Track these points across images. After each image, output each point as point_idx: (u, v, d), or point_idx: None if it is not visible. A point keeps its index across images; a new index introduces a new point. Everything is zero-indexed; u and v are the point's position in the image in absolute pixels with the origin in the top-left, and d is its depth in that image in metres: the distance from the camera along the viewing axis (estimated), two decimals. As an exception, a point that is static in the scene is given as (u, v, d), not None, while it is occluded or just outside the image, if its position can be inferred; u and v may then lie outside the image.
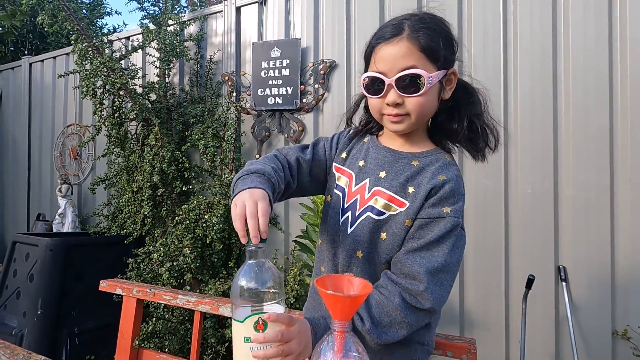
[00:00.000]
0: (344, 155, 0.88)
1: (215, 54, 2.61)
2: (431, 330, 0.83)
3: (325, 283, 0.50)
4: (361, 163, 0.84)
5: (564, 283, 1.73)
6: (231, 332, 1.70)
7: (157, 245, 2.19)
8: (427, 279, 0.68)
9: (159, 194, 2.41)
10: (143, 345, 1.78)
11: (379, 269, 0.78)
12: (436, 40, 0.72)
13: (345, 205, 0.82)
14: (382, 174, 0.80)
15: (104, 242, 2.56)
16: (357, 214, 0.80)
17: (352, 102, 2.28)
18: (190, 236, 2.19)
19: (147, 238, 2.50)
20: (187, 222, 2.22)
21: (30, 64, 3.70)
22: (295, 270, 2.03)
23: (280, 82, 2.37)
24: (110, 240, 2.58)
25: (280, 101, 2.36)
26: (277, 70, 2.37)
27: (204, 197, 2.30)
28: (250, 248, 0.59)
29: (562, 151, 1.79)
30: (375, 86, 0.75)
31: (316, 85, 2.32)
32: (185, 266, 2.09)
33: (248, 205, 0.62)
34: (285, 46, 2.36)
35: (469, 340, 1.04)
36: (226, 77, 2.55)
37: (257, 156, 2.46)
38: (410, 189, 0.76)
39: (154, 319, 1.99)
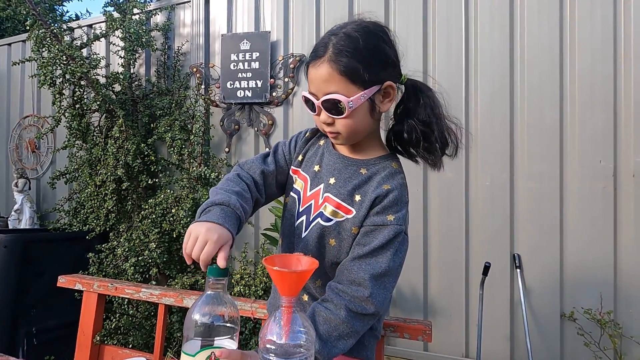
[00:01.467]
0: (300, 158, 0.89)
1: (183, 45, 2.55)
2: (380, 317, 0.88)
3: (274, 261, 0.51)
4: (316, 168, 0.85)
5: (518, 270, 1.84)
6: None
7: (121, 240, 2.13)
8: (372, 284, 0.71)
9: (123, 188, 2.34)
10: (106, 341, 1.74)
11: (329, 272, 0.81)
12: (360, 60, 0.71)
13: (301, 209, 0.84)
14: (332, 181, 0.81)
15: (64, 238, 2.45)
16: (310, 219, 0.82)
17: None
18: (156, 231, 2.14)
19: (111, 234, 2.42)
20: (154, 216, 2.17)
21: (-17, 51, 3.47)
22: (260, 266, 2.04)
23: (250, 75, 2.35)
24: (72, 236, 2.48)
25: (249, 94, 2.35)
26: (246, 63, 2.36)
27: (171, 191, 2.26)
28: (209, 280, 0.59)
29: (518, 145, 1.90)
30: (309, 105, 0.79)
31: (286, 79, 2.33)
32: (151, 261, 2.05)
33: (199, 240, 0.63)
34: (255, 39, 2.34)
35: (425, 322, 1.09)
36: (194, 69, 2.50)
37: (227, 149, 2.44)
38: (357, 197, 0.78)
39: (117, 315, 1.94)
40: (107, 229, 2.46)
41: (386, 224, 0.74)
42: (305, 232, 0.82)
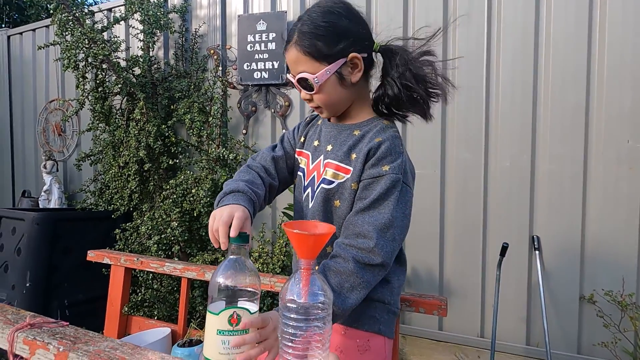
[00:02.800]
0: (302, 139, 0.96)
1: (200, 27, 2.56)
2: (394, 291, 0.88)
3: (292, 226, 0.53)
4: (316, 143, 0.91)
5: (537, 252, 1.81)
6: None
7: (144, 219, 2.22)
8: (377, 235, 0.72)
9: (145, 169, 2.41)
10: (132, 313, 1.83)
11: (337, 235, 0.83)
12: (321, 38, 0.77)
13: (306, 183, 0.90)
14: (329, 147, 0.86)
15: (91, 217, 2.56)
16: (315, 188, 0.86)
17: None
18: (177, 210, 2.21)
19: (134, 213, 2.51)
20: (175, 196, 2.24)
21: (9, 37, 3.58)
22: (282, 242, 2.08)
23: (267, 56, 2.35)
24: (98, 215, 2.59)
25: (266, 76, 2.36)
26: (263, 44, 2.35)
27: (191, 172, 2.31)
28: (232, 246, 0.63)
29: (540, 126, 1.84)
30: (293, 84, 0.87)
31: (302, 60, 2.31)
32: (173, 239, 2.12)
33: (221, 215, 0.68)
34: (271, 19, 2.33)
35: (440, 297, 1.10)
36: (212, 51, 2.52)
37: (244, 131, 2.47)
38: (353, 156, 0.82)
39: (143, 288, 2.03)
40: (131, 209, 2.55)
41: (382, 174, 0.77)
42: (312, 201, 0.86)
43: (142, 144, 2.37)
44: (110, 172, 2.55)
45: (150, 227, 2.15)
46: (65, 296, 2.31)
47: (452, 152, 1.98)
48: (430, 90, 0.82)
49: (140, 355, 0.68)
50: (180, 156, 2.47)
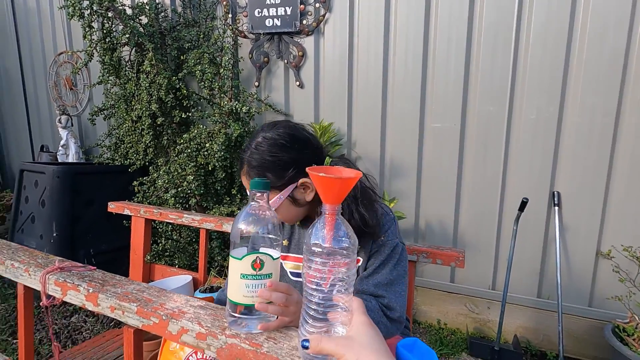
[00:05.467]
0: (285, 242, 1.01)
1: (207, -31, 2.40)
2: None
3: (318, 170, 0.51)
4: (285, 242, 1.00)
5: (556, 208, 1.78)
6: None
7: (160, 172, 2.24)
8: (385, 291, 0.83)
9: (158, 123, 2.39)
10: (154, 261, 1.91)
11: None
12: (269, 170, 0.84)
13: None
14: (285, 242, 0.97)
15: (109, 170, 2.61)
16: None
17: (355, 24, 2.14)
18: (192, 164, 2.22)
19: (150, 167, 2.54)
20: (189, 150, 2.23)
21: (10, -15, 3.44)
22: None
23: (279, 1, 2.21)
24: (115, 169, 2.63)
25: (279, 23, 2.23)
26: (274, -12, 2.20)
27: (204, 126, 2.29)
28: (253, 192, 0.61)
29: (573, 75, 1.72)
30: None
31: (317, 5, 2.17)
32: (189, 192, 2.15)
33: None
34: (283, -41, 2.16)
35: (458, 249, 1.10)
36: (220, -3, 2.37)
37: (256, 84, 2.39)
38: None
39: (163, 239, 2.10)
40: (147, 163, 2.58)
41: (383, 243, 0.86)
42: None
43: (154, 97, 2.33)
44: (124, 126, 2.54)
45: (166, 181, 2.18)
46: (90, 246, 2.42)
47: (474, 104, 1.89)
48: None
49: (166, 297, 0.70)
50: (192, 110, 2.43)
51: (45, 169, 2.34)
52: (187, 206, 2.21)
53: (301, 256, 0.94)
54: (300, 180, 0.85)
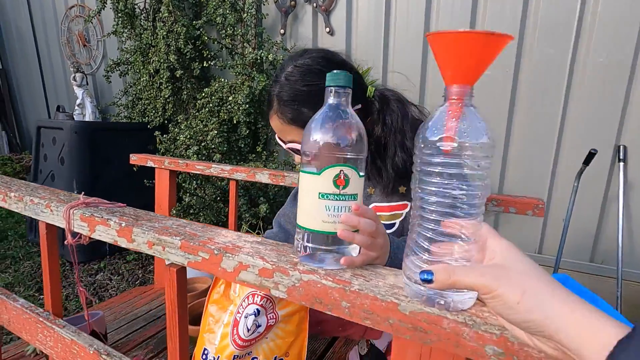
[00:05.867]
0: None
1: None
2: None
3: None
4: None
5: (621, 163, 1.59)
6: (266, 208, 1.68)
7: (182, 127, 2.11)
8: None
9: (177, 76, 2.24)
10: (180, 216, 1.82)
11: None
12: (304, 104, 0.70)
13: None
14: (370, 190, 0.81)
15: (127, 128, 2.50)
16: None
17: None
18: (215, 120, 2.09)
19: (170, 125, 2.42)
20: (211, 105, 2.09)
21: None
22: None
23: None
24: (134, 126, 2.52)
25: (307, -40, 2.00)
26: None
27: (226, 80, 2.13)
28: (330, 89, 0.47)
29: (653, 8, 1.48)
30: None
31: (351, -63, 1.93)
32: (213, 147, 2.03)
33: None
34: None
35: (537, 197, 0.95)
36: None
37: (282, 31, 2.20)
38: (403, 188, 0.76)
39: (188, 195, 2.01)
40: (166, 121, 2.45)
41: None
42: None
43: (172, 47, 2.17)
44: (141, 80, 2.40)
45: (188, 137, 2.06)
46: (112, 205, 2.35)
47: (530, 47, 1.67)
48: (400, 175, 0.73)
49: (214, 232, 0.58)
50: (212, 61, 2.27)
51: (63, 124, 2.24)
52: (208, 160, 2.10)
53: (385, 204, 0.78)
54: None
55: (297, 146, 0.70)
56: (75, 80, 2.91)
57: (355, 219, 0.45)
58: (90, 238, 0.68)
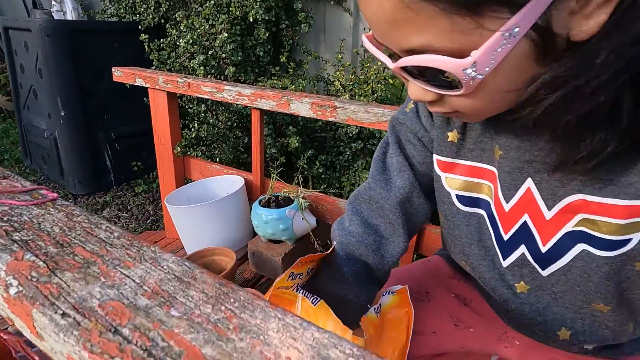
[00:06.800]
0: (451, 135, 0.44)
1: None
2: None
3: None
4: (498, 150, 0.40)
5: None
6: (297, 142, 1.26)
7: (181, 28, 1.60)
8: None
9: (170, -47, 1.64)
10: (189, 152, 1.46)
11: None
12: None
13: (506, 236, 0.42)
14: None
15: (114, 28, 1.99)
16: (545, 250, 0.40)
17: None
18: (224, 17, 1.55)
19: (167, 25, 1.89)
20: (217, -4, 1.54)
21: None
22: (375, 67, 1.45)
23: None
24: (123, 27, 2.00)
25: None
26: None
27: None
28: None
29: None
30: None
31: None
32: (224, 56, 1.55)
33: None
34: None
35: None
36: None
37: None
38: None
39: (196, 123, 1.61)
40: (162, 20, 1.92)
41: None
42: (545, 270, 0.41)
43: None
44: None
45: (190, 41, 1.56)
46: (110, 129, 1.99)
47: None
48: None
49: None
50: None
51: (30, 24, 1.75)
52: (222, 78, 1.64)
53: (482, 165, 0.42)
54: None
55: (432, 63, 0.29)
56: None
57: None
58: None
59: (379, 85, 1.38)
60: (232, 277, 0.88)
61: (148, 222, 1.73)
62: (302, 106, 0.88)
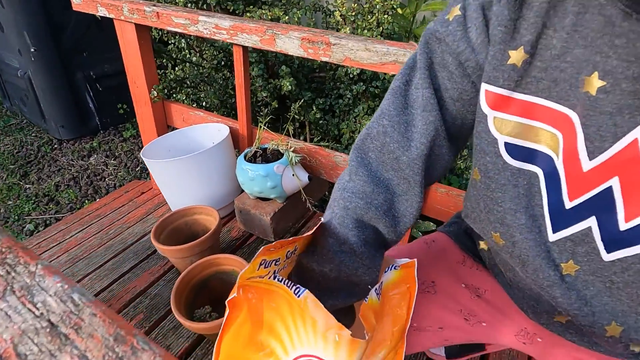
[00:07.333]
0: (515, 55, 0.31)
1: None
2: None
3: None
4: (588, 80, 0.28)
5: None
6: (291, 84, 1.11)
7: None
8: None
9: None
10: (173, 95, 1.32)
11: None
12: None
13: (570, 204, 0.32)
14: None
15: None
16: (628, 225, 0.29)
17: None
18: None
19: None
20: None
21: None
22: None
23: None
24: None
25: None
26: None
27: None
28: None
29: None
30: None
31: None
32: (205, -19, 1.33)
33: None
34: None
35: None
36: None
37: None
38: None
39: (178, 62, 1.44)
40: None
41: None
42: (609, 253, 0.31)
43: None
44: None
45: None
46: (89, 67, 1.82)
47: None
48: None
49: None
50: None
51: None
52: (203, 8, 1.43)
53: (549, 104, 0.31)
54: None
55: None
56: None
57: None
58: None
59: (385, 16, 1.19)
60: (216, 238, 0.81)
61: (137, 169, 1.65)
62: (290, 42, 0.73)
